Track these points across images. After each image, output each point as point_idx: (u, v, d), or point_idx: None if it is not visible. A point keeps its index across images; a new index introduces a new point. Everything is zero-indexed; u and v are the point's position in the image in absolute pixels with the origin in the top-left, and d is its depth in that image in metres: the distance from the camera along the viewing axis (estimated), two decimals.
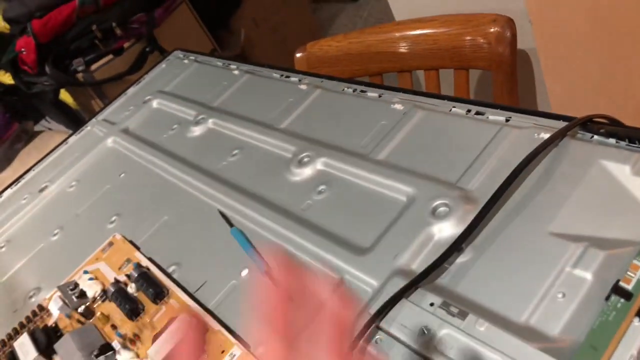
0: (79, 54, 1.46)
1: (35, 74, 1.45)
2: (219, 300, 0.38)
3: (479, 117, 0.42)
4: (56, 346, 0.38)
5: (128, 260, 0.44)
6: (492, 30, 0.63)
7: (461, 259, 0.32)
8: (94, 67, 1.47)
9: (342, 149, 0.45)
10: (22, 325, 0.42)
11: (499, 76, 0.65)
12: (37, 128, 1.59)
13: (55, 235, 0.54)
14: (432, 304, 0.30)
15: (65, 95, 1.56)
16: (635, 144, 0.33)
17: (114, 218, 0.52)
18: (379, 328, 0.30)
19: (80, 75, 1.45)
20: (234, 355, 0.32)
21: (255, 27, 1.85)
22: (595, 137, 0.35)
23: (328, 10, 2.26)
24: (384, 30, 0.72)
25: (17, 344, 0.39)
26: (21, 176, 0.69)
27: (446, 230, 0.35)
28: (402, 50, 0.70)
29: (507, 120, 0.40)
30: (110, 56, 1.49)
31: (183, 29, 1.64)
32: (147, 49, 1.52)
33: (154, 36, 1.53)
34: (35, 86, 1.46)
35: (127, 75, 1.48)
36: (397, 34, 0.70)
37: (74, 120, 1.59)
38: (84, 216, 0.55)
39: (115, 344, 0.37)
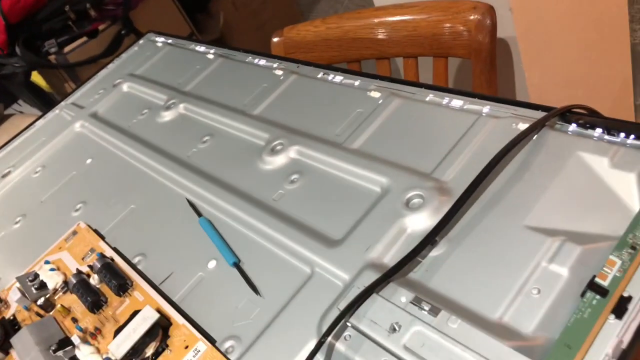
0: (52, 35, 1.41)
1: (5, 55, 1.40)
2: (184, 293, 0.37)
3: (456, 106, 0.41)
4: (13, 340, 0.36)
5: (92, 250, 0.42)
6: (472, 17, 0.62)
7: (435, 252, 0.31)
8: (67, 49, 1.42)
9: (316, 137, 0.44)
10: None
11: (478, 65, 0.64)
12: (8, 111, 1.54)
13: (17, 223, 0.52)
14: (403, 300, 0.29)
15: (37, 78, 1.51)
16: (613, 135, 0.33)
17: (79, 206, 0.50)
18: (348, 324, 0.29)
19: (52, 57, 1.41)
20: (198, 351, 0.31)
21: (235, 10, 1.81)
22: (574, 128, 0.34)
23: None
24: (362, 16, 0.70)
25: None
26: None
27: (420, 222, 0.34)
28: (381, 36, 0.68)
29: (484, 110, 0.39)
30: (85, 38, 1.45)
31: (160, 12, 1.60)
32: (123, 32, 1.48)
33: (130, 18, 1.49)
34: (5, 67, 1.41)
35: (102, 58, 1.44)
36: (376, 20, 0.69)
37: (47, 103, 1.54)
38: (48, 203, 0.53)
39: (75, 338, 0.35)
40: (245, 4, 1.83)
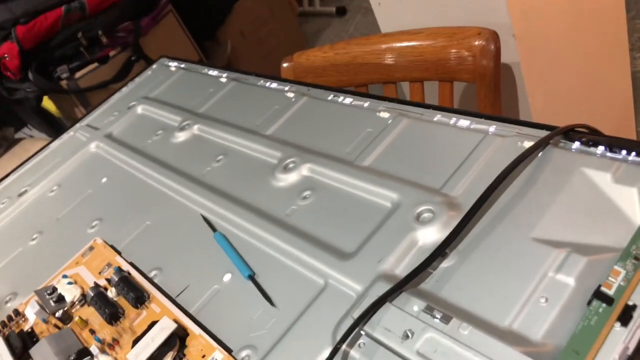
0: (64, 61, 1.45)
1: (18, 80, 1.43)
2: (200, 305, 0.37)
3: (463, 125, 0.42)
4: (32, 351, 0.37)
5: (109, 265, 0.43)
6: (476, 43, 0.64)
7: (445, 264, 0.32)
8: (78, 74, 1.46)
9: (328, 155, 0.45)
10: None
11: (483, 89, 0.65)
12: (18, 135, 1.56)
13: (34, 239, 0.53)
14: (415, 309, 0.30)
15: (47, 103, 1.54)
16: (615, 152, 0.34)
17: (95, 223, 0.51)
18: (362, 332, 0.30)
19: (64, 83, 1.44)
20: None
21: (242, 39, 1.86)
22: (577, 145, 0.36)
23: (314, 25, 2.28)
24: (370, 42, 0.72)
25: None
26: (0, 180, 0.68)
27: (430, 235, 0.35)
28: (388, 61, 0.70)
29: (490, 129, 0.40)
30: (95, 64, 1.48)
31: (169, 39, 1.64)
32: (133, 58, 1.52)
33: (140, 45, 1.53)
34: (17, 92, 1.44)
35: (112, 83, 1.47)
36: (383, 46, 0.71)
37: (56, 128, 1.57)
38: (64, 220, 0.54)
39: (94, 349, 0.36)
40: (252, 32, 1.88)
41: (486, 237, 0.33)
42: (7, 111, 1.58)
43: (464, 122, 0.42)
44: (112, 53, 1.50)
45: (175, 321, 0.35)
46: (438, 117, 0.44)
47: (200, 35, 1.76)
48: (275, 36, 1.93)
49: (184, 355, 0.33)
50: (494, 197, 0.35)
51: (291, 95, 0.56)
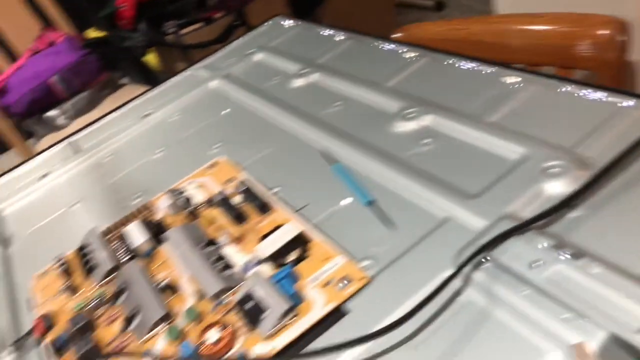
0: (173, 17, 1.53)
1: (130, 29, 1.52)
2: (321, 220, 0.40)
3: (597, 97, 0.42)
4: (166, 234, 0.40)
5: (232, 179, 0.46)
6: (602, 32, 0.63)
7: (574, 214, 0.33)
8: (183, 31, 1.53)
9: (451, 109, 0.46)
10: (131, 216, 0.45)
11: (604, 81, 0.64)
12: (123, 81, 1.66)
13: (159, 152, 0.58)
14: (545, 245, 0.30)
15: (149, 58, 1.63)
16: None
17: (217, 144, 0.54)
18: (487, 257, 0.31)
19: (170, 37, 1.52)
20: (337, 264, 0.34)
21: (339, 21, 1.88)
22: None
23: (411, 17, 2.27)
24: (489, 21, 0.72)
25: (127, 229, 0.42)
26: (122, 105, 0.73)
27: (558, 188, 0.35)
28: (507, 42, 0.70)
29: (626, 103, 0.40)
30: (200, 24, 1.55)
31: (271, 10, 1.67)
32: (236, 23, 1.57)
33: (244, 12, 1.59)
34: (127, 40, 1.54)
35: (213, 44, 1.53)
36: (504, 26, 0.71)
37: (152, 83, 1.65)
38: (187, 140, 0.58)
39: (221, 241, 0.39)
40: (349, 15, 1.90)
41: (618, 196, 0.33)
42: (114, 58, 1.68)
43: (598, 94, 0.42)
44: (217, 15, 1.56)
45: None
46: (568, 88, 0.44)
47: (300, 12, 1.80)
48: (371, 22, 1.94)
49: (307, 256, 0.35)
50: (628, 160, 0.34)
51: (409, 55, 0.57)
